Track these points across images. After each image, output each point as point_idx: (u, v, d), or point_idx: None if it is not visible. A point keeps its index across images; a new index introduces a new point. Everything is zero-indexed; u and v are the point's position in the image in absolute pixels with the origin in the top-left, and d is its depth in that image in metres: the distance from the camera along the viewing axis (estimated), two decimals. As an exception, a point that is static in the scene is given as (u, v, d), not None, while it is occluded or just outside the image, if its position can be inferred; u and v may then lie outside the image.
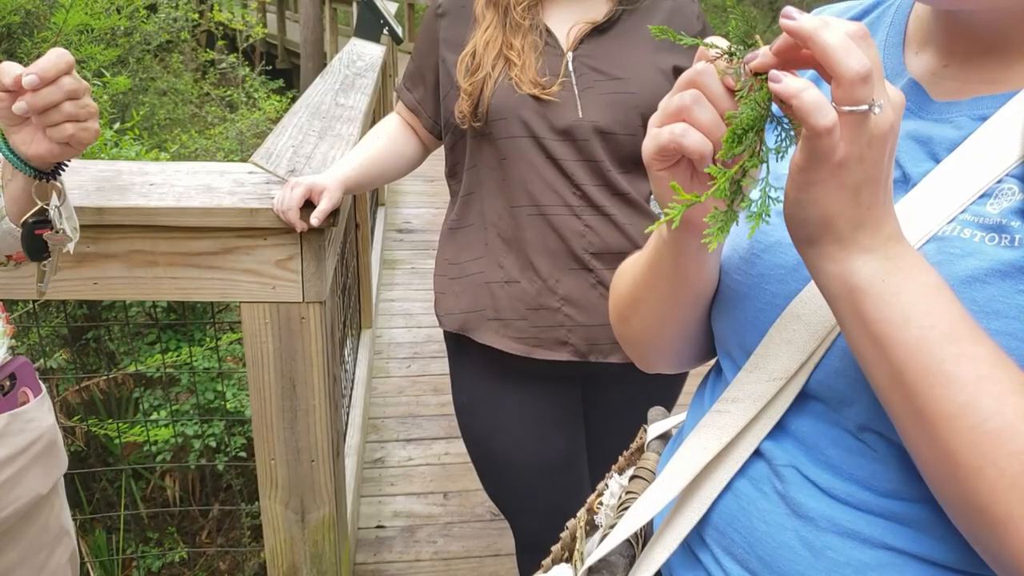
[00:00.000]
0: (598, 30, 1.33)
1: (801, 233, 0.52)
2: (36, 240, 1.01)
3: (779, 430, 0.62)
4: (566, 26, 1.33)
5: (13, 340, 1.06)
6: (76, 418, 3.52)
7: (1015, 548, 0.47)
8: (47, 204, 0.97)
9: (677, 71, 1.34)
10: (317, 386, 1.57)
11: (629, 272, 0.76)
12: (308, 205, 1.39)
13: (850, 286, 0.51)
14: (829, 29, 0.46)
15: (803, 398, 0.61)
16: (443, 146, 1.48)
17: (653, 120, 0.56)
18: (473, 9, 1.35)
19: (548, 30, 1.33)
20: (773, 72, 0.48)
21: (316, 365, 1.56)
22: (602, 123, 1.29)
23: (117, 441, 3.59)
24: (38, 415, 1.06)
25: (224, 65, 8.03)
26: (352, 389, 2.82)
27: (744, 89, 0.50)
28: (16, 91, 0.85)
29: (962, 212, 0.55)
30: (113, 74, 4.94)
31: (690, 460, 0.65)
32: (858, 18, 0.70)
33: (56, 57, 0.85)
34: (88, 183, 1.49)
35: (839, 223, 0.50)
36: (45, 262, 1.04)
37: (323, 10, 12.71)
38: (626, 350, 0.84)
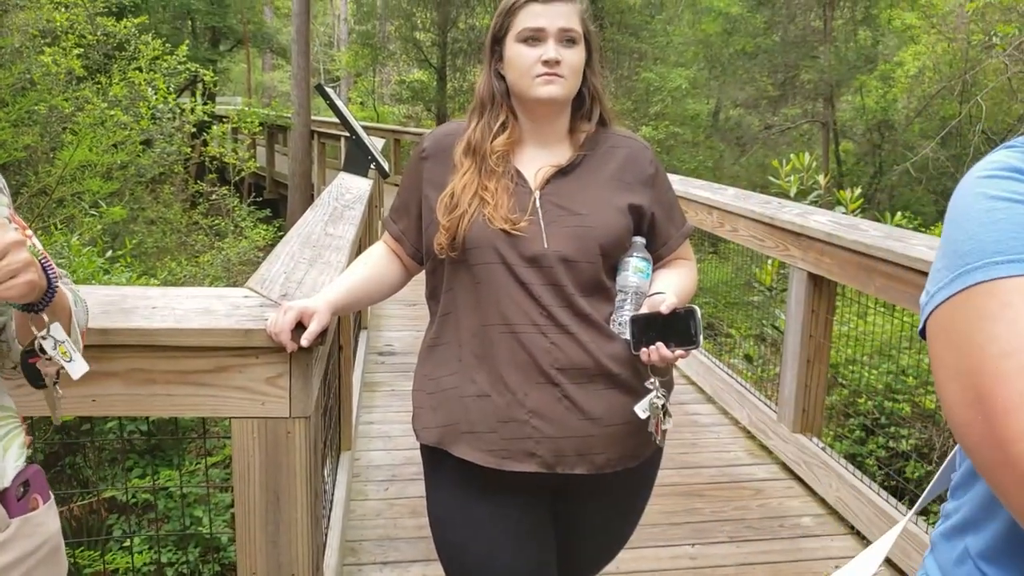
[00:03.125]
0: (562, 172, 1.51)
1: None
2: (30, 368, 1.12)
3: None
4: (534, 168, 1.52)
5: (29, 450, 1.14)
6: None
7: None
8: (37, 334, 1.08)
9: (632, 208, 1.51)
10: (300, 500, 1.64)
11: None
12: (299, 326, 1.51)
13: None
14: None
15: None
16: (424, 271, 1.63)
17: None
18: (453, 155, 1.54)
19: (519, 172, 1.51)
20: None
21: (300, 479, 1.63)
22: (565, 252, 1.45)
23: (87, 571, 3.52)
24: (46, 520, 1.13)
25: (215, 196, 8.34)
26: (331, 510, 2.84)
27: None
28: None
29: None
30: (108, 204, 5.15)
31: None
32: None
33: None
34: (94, 306, 1.60)
35: None
36: (47, 389, 1.15)
37: (312, 144, 13.29)
38: None
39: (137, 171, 6.63)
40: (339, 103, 4.99)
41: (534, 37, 1.48)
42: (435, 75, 19.88)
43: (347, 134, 5.79)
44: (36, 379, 1.14)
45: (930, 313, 0.70)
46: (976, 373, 0.63)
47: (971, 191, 0.71)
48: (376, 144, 6.16)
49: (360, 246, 3.41)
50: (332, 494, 2.97)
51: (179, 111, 7.41)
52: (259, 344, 1.55)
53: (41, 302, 1.06)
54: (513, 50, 1.50)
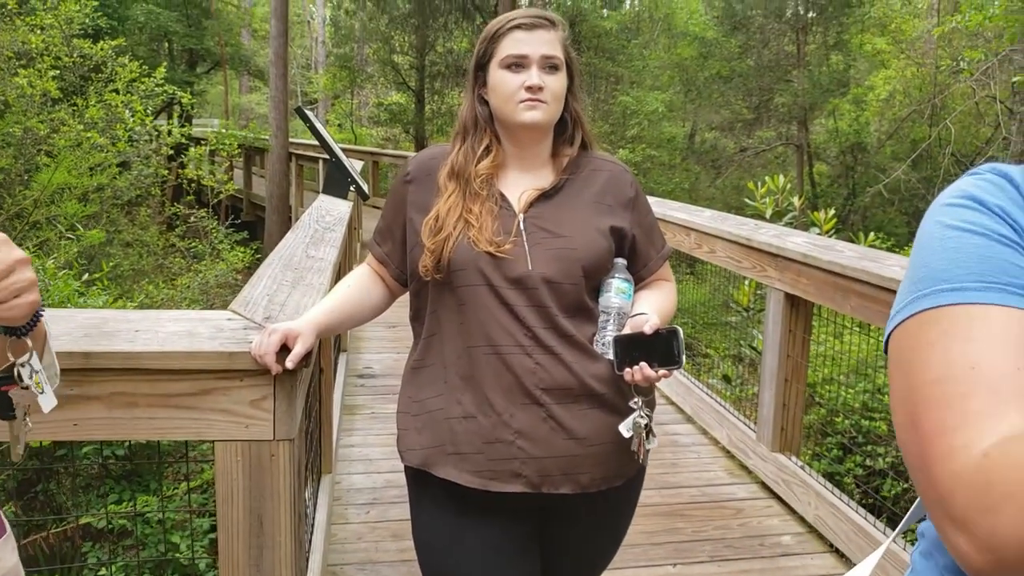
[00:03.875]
0: (545, 195, 1.53)
1: None
2: (2, 397, 1.04)
3: None
4: (518, 191, 1.54)
5: None
6: None
7: None
8: (16, 361, 1.00)
9: (614, 230, 1.54)
10: (284, 523, 1.63)
11: None
12: (283, 348, 1.52)
13: None
14: None
15: None
16: (408, 292, 1.64)
17: None
18: (437, 179, 1.56)
19: (503, 195, 1.54)
20: None
21: (284, 501, 1.62)
22: (549, 274, 1.47)
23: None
24: (2, 555, 1.08)
25: (193, 219, 8.30)
26: (312, 534, 2.82)
27: None
28: None
29: None
30: (85, 227, 5.10)
31: None
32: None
33: None
34: (76, 330, 1.60)
35: None
36: (14, 423, 1.06)
37: (290, 166, 13.27)
38: None
39: (114, 193, 6.58)
40: (319, 125, 5.00)
41: (517, 63, 1.51)
42: (413, 98, 19.99)
43: (326, 156, 5.79)
44: (6, 409, 1.06)
45: (887, 336, 0.73)
46: (911, 397, 0.67)
47: (932, 218, 0.74)
48: (355, 166, 6.17)
49: (340, 268, 3.41)
50: (313, 518, 2.95)
51: (156, 133, 7.38)
52: (243, 367, 1.55)
53: (26, 326, 1.00)
54: (497, 76, 1.53)
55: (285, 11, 13.35)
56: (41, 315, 1.03)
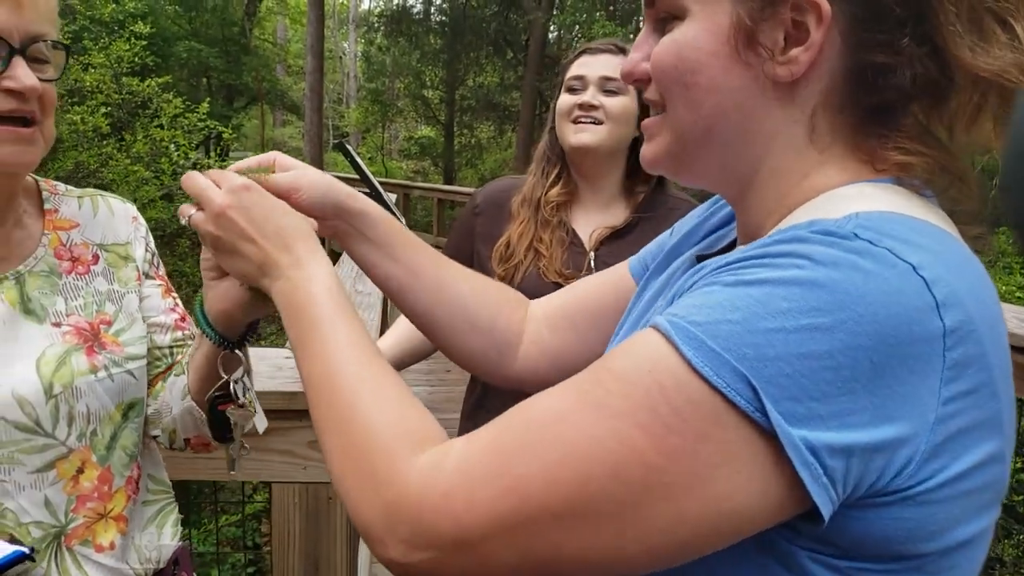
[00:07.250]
0: (617, 234, 1.50)
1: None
2: (219, 416, 0.98)
3: None
4: (589, 229, 1.51)
5: (183, 529, 1.09)
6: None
7: None
8: (230, 377, 0.94)
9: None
10: (340, 567, 1.59)
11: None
12: (344, 388, 1.49)
13: (277, 302, 0.75)
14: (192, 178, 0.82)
15: None
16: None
17: None
18: (508, 207, 1.54)
19: (574, 231, 1.51)
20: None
21: (340, 546, 1.58)
22: None
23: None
24: None
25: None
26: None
27: None
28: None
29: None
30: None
31: None
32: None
33: None
34: (135, 367, 1.58)
35: (246, 271, 0.77)
36: (231, 445, 1.01)
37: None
38: None
39: (157, 226, 6.70)
40: (359, 160, 5.03)
41: (576, 86, 1.50)
42: (442, 131, 20.21)
43: (365, 190, 5.80)
44: (224, 431, 0.99)
45: None
46: None
47: None
48: (391, 198, 6.18)
49: (386, 302, 3.39)
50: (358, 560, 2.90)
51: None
52: (303, 407, 1.51)
53: (242, 337, 0.94)
54: (559, 100, 1.53)
55: (320, 47, 13.63)
56: (256, 327, 0.97)
